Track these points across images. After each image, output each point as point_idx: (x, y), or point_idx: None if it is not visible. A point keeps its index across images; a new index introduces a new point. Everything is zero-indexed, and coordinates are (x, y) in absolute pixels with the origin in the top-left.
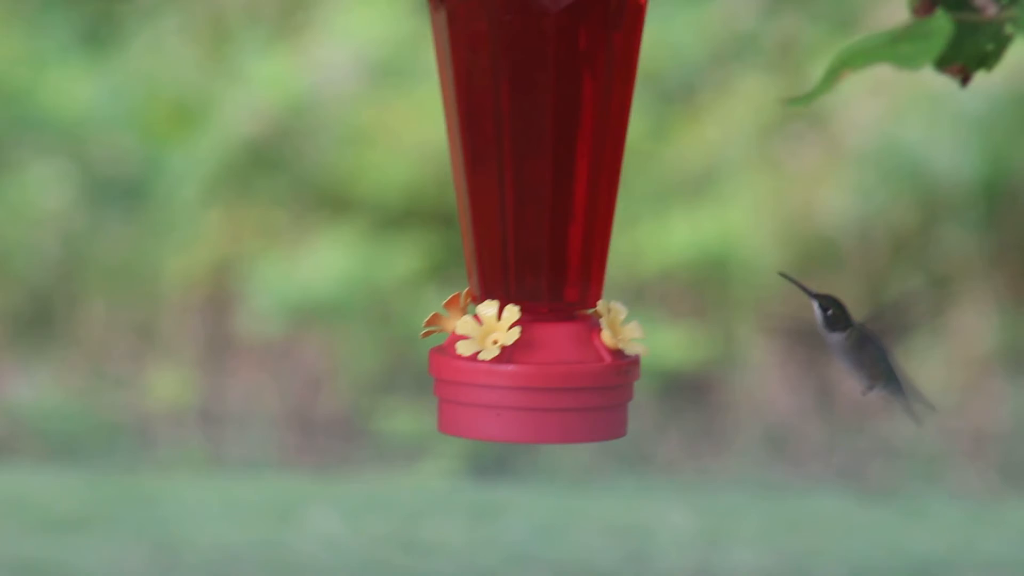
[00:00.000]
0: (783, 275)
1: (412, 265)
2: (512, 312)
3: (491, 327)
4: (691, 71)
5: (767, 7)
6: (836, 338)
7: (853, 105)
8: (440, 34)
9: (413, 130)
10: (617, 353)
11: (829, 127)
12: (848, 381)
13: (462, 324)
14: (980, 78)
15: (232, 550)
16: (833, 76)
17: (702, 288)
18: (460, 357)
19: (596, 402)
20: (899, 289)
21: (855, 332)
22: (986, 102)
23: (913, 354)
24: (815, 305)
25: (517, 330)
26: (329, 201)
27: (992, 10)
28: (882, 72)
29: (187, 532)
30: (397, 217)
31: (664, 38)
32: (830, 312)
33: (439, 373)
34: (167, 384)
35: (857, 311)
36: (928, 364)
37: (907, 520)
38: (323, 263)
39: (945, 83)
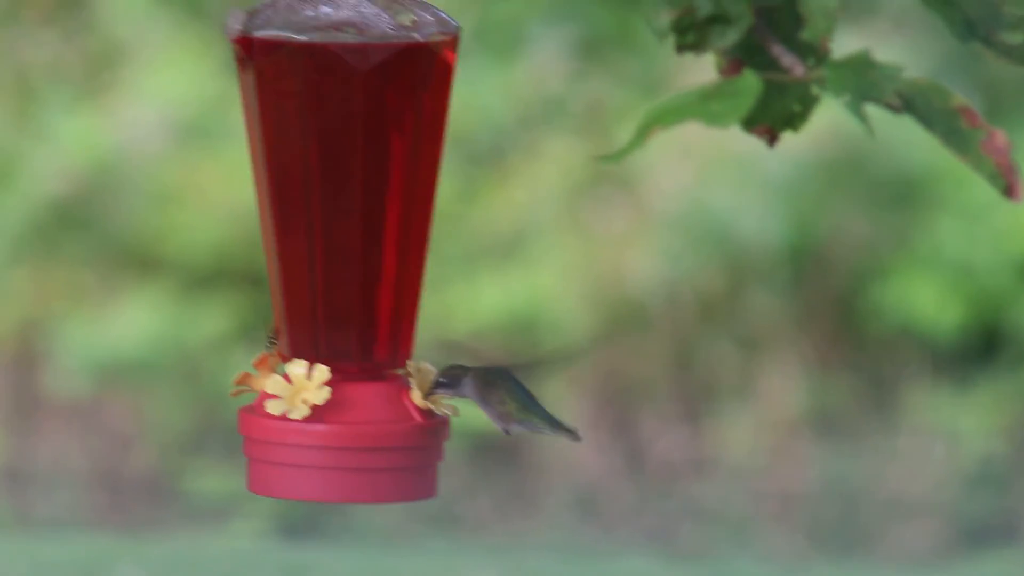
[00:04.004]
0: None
1: (221, 325)
2: (321, 372)
3: (301, 386)
4: (499, 134)
5: (574, 71)
6: (467, 387)
7: (661, 169)
8: (248, 94)
9: (222, 190)
10: (427, 413)
11: (637, 191)
12: (658, 444)
13: (271, 383)
14: (787, 142)
15: None
16: (645, 133)
17: (511, 350)
18: (270, 416)
19: (406, 462)
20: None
21: (476, 375)
22: (792, 167)
23: (721, 417)
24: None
25: (327, 390)
26: (137, 261)
27: (799, 70)
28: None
29: None
30: (206, 277)
31: (472, 100)
32: (443, 380)
33: (249, 432)
34: None
35: (656, 371)
36: (736, 427)
37: None
38: (131, 323)
39: (752, 147)
